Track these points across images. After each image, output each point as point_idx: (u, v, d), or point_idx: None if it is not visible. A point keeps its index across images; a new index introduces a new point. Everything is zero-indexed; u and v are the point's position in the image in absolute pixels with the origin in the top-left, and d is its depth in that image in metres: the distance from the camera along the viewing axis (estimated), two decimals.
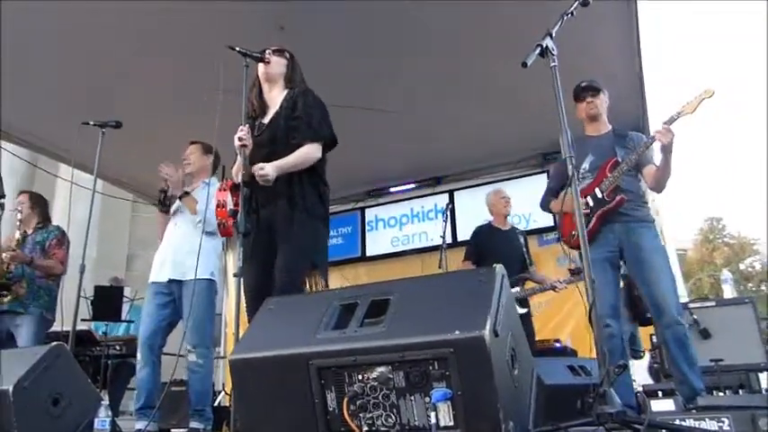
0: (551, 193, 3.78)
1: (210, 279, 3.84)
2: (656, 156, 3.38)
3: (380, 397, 1.78)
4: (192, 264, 3.65)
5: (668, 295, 3.20)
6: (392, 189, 7.43)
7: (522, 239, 5.15)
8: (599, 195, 3.44)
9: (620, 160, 3.42)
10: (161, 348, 3.84)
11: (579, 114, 3.65)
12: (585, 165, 3.55)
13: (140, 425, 3.52)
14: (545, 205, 3.86)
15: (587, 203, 3.45)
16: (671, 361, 3.19)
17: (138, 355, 3.77)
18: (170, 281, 3.81)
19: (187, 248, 3.79)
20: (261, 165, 2.86)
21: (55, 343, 2.90)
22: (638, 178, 3.55)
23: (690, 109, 3.18)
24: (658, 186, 3.46)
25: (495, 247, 4.98)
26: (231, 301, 7.62)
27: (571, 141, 2.44)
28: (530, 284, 5.03)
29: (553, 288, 4.93)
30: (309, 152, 2.96)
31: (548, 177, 6.32)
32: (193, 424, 3.69)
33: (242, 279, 2.72)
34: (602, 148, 3.53)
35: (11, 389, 2.57)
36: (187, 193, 3.87)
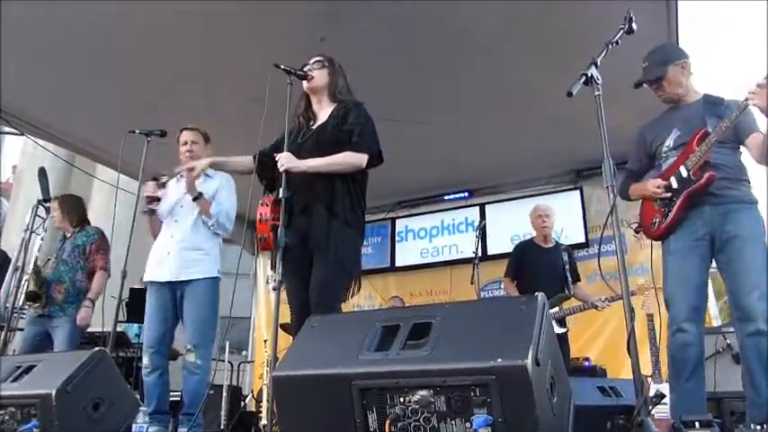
0: (632, 177, 3.32)
1: (215, 277, 3.78)
2: (761, 122, 2.92)
3: (422, 420, 1.80)
4: (196, 262, 3.69)
5: (758, 297, 2.74)
6: (423, 200, 7.46)
7: (565, 256, 5.08)
8: (684, 174, 2.98)
9: (710, 131, 2.94)
10: (169, 351, 3.81)
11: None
12: (669, 141, 3.12)
13: (153, 430, 3.36)
14: (624, 193, 3.31)
15: (670, 186, 3.03)
16: (747, 376, 2.79)
17: (145, 360, 3.66)
18: (173, 281, 3.73)
19: (189, 247, 3.75)
20: (284, 154, 2.86)
21: (96, 348, 2.97)
22: (738, 151, 3.06)
23: None
24: (764, 158, 2.91)
25: (535, 265, 4.99)
26: (261, 307, 7.70)
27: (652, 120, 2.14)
28: (572, 302, 4.98)
29: (594, 307, 4.88)
30: (347, 158, 2.90)
31: (581, 195, 6.34)
32: (182, 430, 3.55)
33: (286, 292, 2.75)
34: (691, 120, 3.07)
35: (54, 392, 2.63)
36: (201, 194, 3.75)
